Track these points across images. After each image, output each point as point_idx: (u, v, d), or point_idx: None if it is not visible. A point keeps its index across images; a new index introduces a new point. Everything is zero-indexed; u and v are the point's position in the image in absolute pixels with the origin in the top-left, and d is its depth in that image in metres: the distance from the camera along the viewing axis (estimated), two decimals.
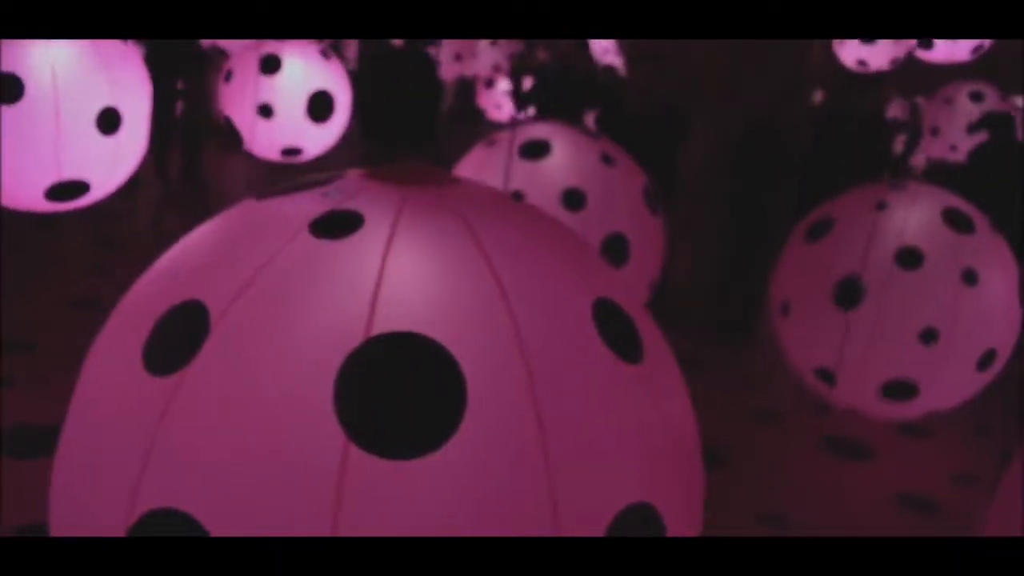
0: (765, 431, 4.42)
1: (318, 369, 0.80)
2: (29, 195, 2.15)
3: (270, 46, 3.25)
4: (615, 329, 0.91)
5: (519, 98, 8.44)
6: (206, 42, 3.66)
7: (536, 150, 2.62)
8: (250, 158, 3.73)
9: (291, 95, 3.27)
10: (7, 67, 1.95)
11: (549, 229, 1.04)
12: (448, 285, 0.86)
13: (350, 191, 0.99)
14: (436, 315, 0.82)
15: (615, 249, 2.43)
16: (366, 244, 0.89)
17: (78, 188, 2.22)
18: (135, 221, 6.47)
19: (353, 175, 1.05)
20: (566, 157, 2.62)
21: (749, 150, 5.33)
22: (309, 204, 0.97)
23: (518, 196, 2.51)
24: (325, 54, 3.34)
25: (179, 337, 0.87)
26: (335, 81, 3.34)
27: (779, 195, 5.27)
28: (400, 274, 0.86)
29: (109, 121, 2.20)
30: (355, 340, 0.81)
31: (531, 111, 7.81)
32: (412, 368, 0.79)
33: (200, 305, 0.88)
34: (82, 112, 2.08)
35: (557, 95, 6.85)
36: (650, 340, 0.97)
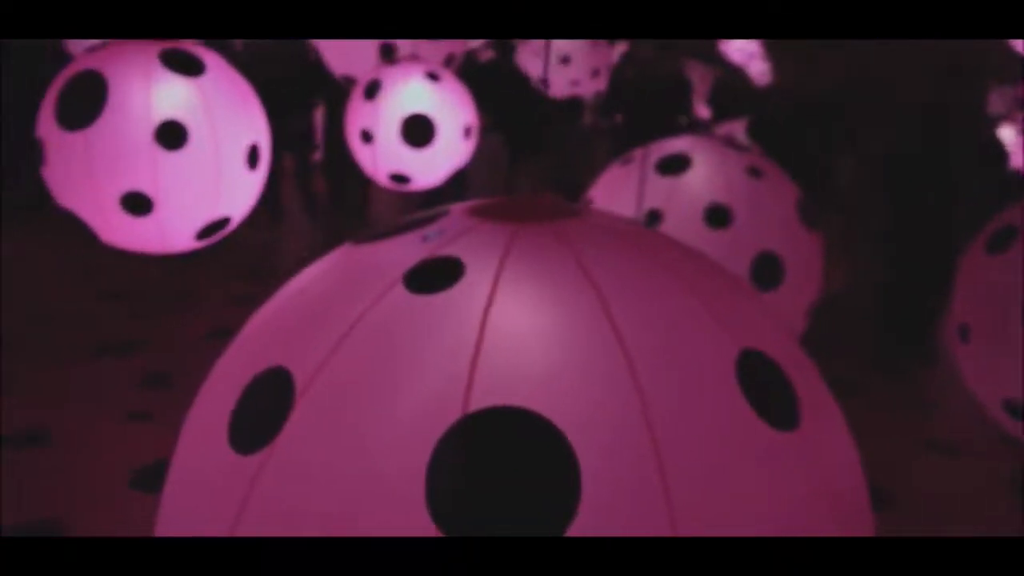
0: (938, 467, 4.02)
1: (408, 453, 0.67)
2: (182, 237, 2.14)
3: (380, 71, 3.19)
4: (765, 388, 0.75)
5: (603, 109, 8.17)
6: (339, 71, 3.65)
7: (675, 165, 2.44)
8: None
9: (387, 120, 3.17)
10: (165, 114, 1.92)
11: (685, 264, 0.88)
12: (558, 347, 0.71)
13: (453, 232, 0.86)
14: (544, 386, 0.68)
15: (767, 270, 2.22)
16: (465, 298, 0.76)
17: (223, 224, 2.21)
18: (280, 252, 6.63)
19: (459, 211, 0.92)
20: (708, 171, 2.43)
21: (914, 153, 4.92)
22: (406, 250, 0.85)
23: (656, 216, 2.34)
24: (434, 76, 3.21)
25: (264, 410, 0.77)
26: (439, 104, 3.19)
27: (951, 203, 4.83)
28: (503, 335, 0.72)
29: (254, 156, 2.18)
30: (450, 417, 0.68)
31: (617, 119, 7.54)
32: (515, 452, 0.66)
33: (286, 373, 0.78)
34: (235, 150, 2.07)
35: (644, 103, 6.53)
36: (809, 398, 0.80)
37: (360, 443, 0.70)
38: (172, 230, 2.07)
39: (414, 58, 3.25)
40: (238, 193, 2.17)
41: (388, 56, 3.38)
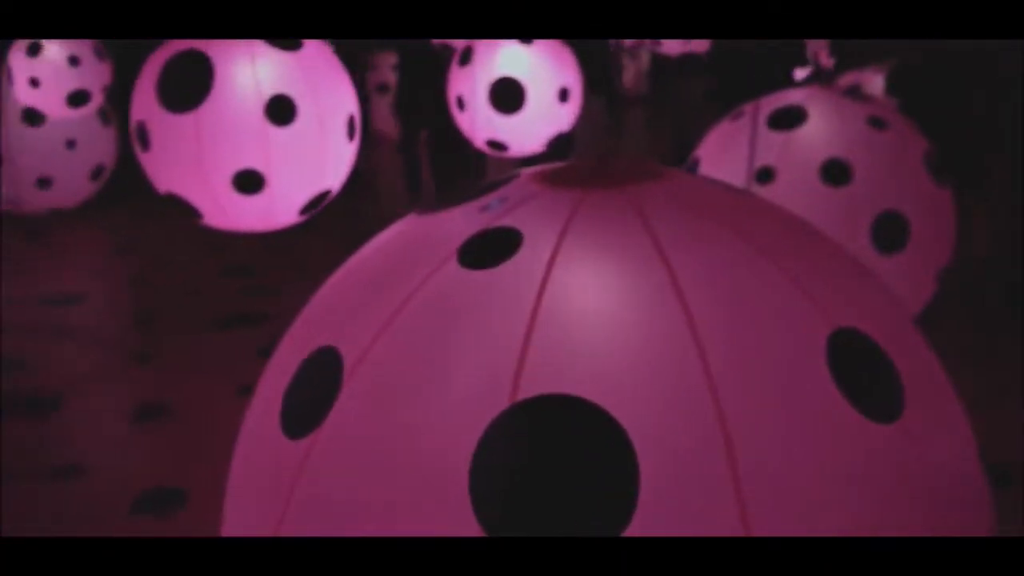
0: None
1: (451, 444, 0.61)
2: (288, 213, 2.13)
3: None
4: (861, 374, 0.65)
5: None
6: (437, 42, 3.58)
7: (789, 119, 2.28)
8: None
9: (477, 85, 3.06)
10: (273, 90, 1.89)
11: (777, 233, 0.78)
12: (619, 330, 0.63)
13: (514, 200, 0.79)
14: (600, 373, 0.60)
15: (890, 231, 2.05)
16: (520, 274, 0.69)
17: (324, 197, 2.20)
18: (382, 220, 6.64)
19: (525, 177, 0.84)
20: (825, 124, 2.26)
21: None
22: (464, 221, 0.79)
23: (768, 174, 2.20)
24: (527, 39, 3.08)
25: (312, 394, 0.72)
26: (531, 68, 3.05)
27: None
28: (558, 316, 0.65)
29: (351, 128, 2.16)
30: (497, 406, 0.61)
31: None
32: (566, 446, 0.58)
33: (335, 354, 0.72)
34: (337, 122, 2.04)
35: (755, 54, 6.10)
36: (916, 384, 0.69)
37: (402, 431, 0.64)
38: (280, 206, 2.06)
39: None
40: (340, 165, 2.15)
41: None
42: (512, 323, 0.65)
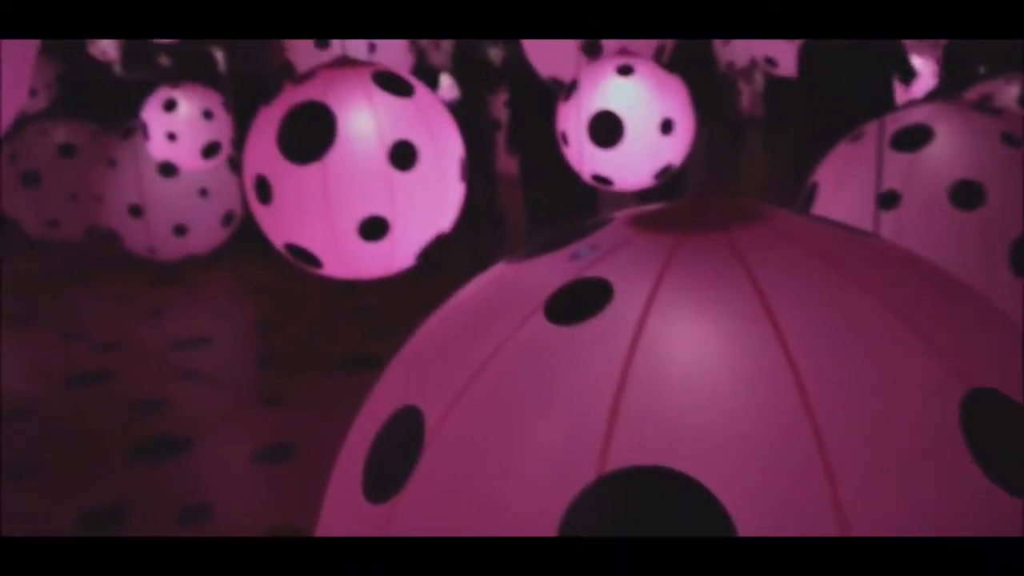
0: None
1: (534, 520, 0.57)
2: (407, 258, 2.13)
3: (578, 71, 3.06)
4: (1002, 441, 0.57)
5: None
6: (545, 73, 3.58)
7: (914, 138, 2.15)
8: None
9: (578, 120, 3.02)
10: (395, 136, 1.91)
11: (899, 279, 0.72)
12: (721, 394, 0.58)
13: (606, 247, 0.75)
14: (699, 444, 0.55)
15: None
16: (611, 329, 0.65)
17: (440, 239, 2.20)
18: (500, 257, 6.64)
19: (619, 221, 0.80)
20: (954, 142, 2.13)
21: None
22: (553, 271, 0.75)
23: (892, 198, 2.08)
24: (627, 71, 3.03)
25: (395, 454, 0.70)
26: (629, 100, 2.99)
27: None
28: (651, 376, 0.60)
29: (463, 169, 2.17)
30: (583, 478, 0.57)
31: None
32: (659, 527, 0.53)
33: (418, 413, 0.70)
34: (452, 165, 2.05)
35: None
36: None
37: (482, 501, 0.61)
38: (401, 251, 2.07)
39: (618, 54, 3.11)
40: (454, 207, 2.16)
41: (592, 53, 3.28)
42: (601, 385, 0.61)
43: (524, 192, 7.38)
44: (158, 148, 4.48)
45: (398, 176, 1.90)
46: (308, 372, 4.78)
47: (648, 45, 3.37)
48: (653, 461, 0.55)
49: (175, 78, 4.67)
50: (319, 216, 1.89)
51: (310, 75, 1.95)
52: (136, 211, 5.08)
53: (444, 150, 2.01)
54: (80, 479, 3.67)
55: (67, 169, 5.43)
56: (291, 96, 1.94)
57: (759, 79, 10.85)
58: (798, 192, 2.36)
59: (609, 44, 3.24)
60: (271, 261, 6.69)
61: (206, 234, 5.32)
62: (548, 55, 3.54)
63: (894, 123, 2.20)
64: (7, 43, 1.44)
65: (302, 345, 5.21)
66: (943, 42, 7.70)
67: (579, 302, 0.69)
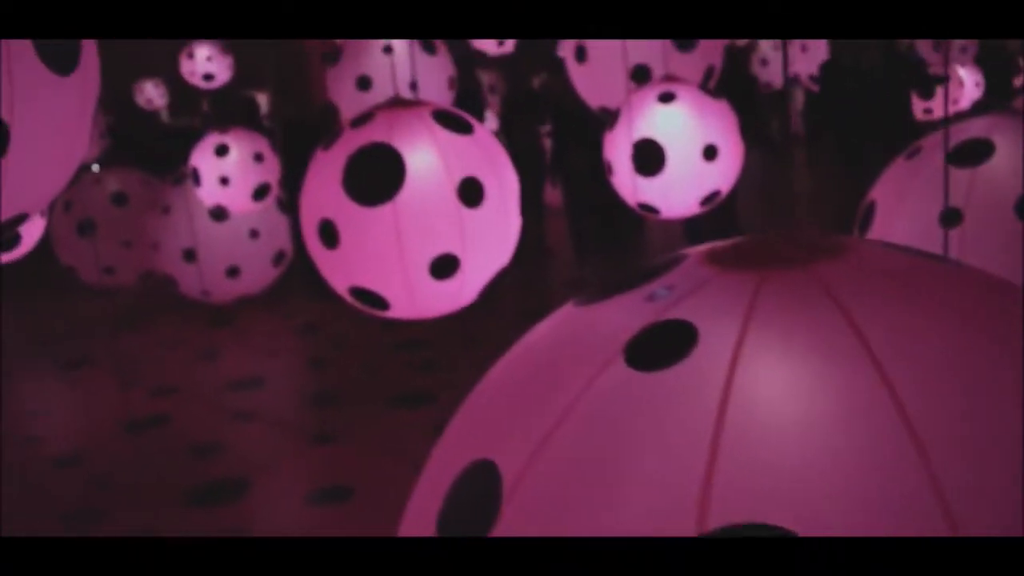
0: None
1: None
2: (471, 295, 2.11)
3: (624, 100, 3.03)
4: None
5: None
6: (594, 103, 3.57)
7: (974, 153, 2.10)
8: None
9: (620, 148, 2.99)
10: (463, 171, 1.91)
11: (987, 301, 0.68)
12: (825, 441, 0.55)
13: (684, 287, 0.72)
14: (807, 497, 0.52)
15: None
16: (699, 376, 0.62)
17: (501, 272, 2.19)
18: (551, 289, 6.64)
19: (693, 259, 0.78)
20: (1016, 155, 2.07)
21: None
22: (629, 313, 0.72)
23: (954, 217, 2.02)
24: (668, 97, 3.00)
25: (470, 513, 0.67)
26: (670, 127, 2.95)
27: None
28: (748, 425, 0.57)
29: (521, 204, 2.16)
30: (683, 534, 0.54)
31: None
32: None
33: (493, 469, 0.67)
34: (512, 199, 2.05)
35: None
36: None
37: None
38: (468, 289, 2.06)
39: (663, 80, 3.09)
40: (515, 241, 2.16)
41: (640, 80, 3.26)
42: (695, 434, 0.58)
43: (569, 223, 7.36)
44: (210, 192, 4.56)
45: (467, 213, 1.90)
46: (361, 410, 4.79)
47: (696, 70, 3.34)
48: (757, 518, 0.52)
49: (220, 124, 4.75)
50: (390, 257, 1.88)
51: (369, 117, 1.94)
52: (190, 255, 5.16)
53: (505, 184, 2.02)
54: (135, 527, 3.70)
55: (120, 217, 5.53)
56: (353, 138, 1.93)
57: (799, 97, 10.78)
58: (847, 208, 2.31)
59: (656, 70, 3.22)
60: (319, 299, 6.75)
61: (257, 275, 5.39)
62: (596, 84, 3.53)
63: (951, 138, 2.15)
64: (71, 85, 1.47)
65: (353, 382, 5.23)
66: (973, 49, 7.61)
67: (662, 347, 0.66)
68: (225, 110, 8.07)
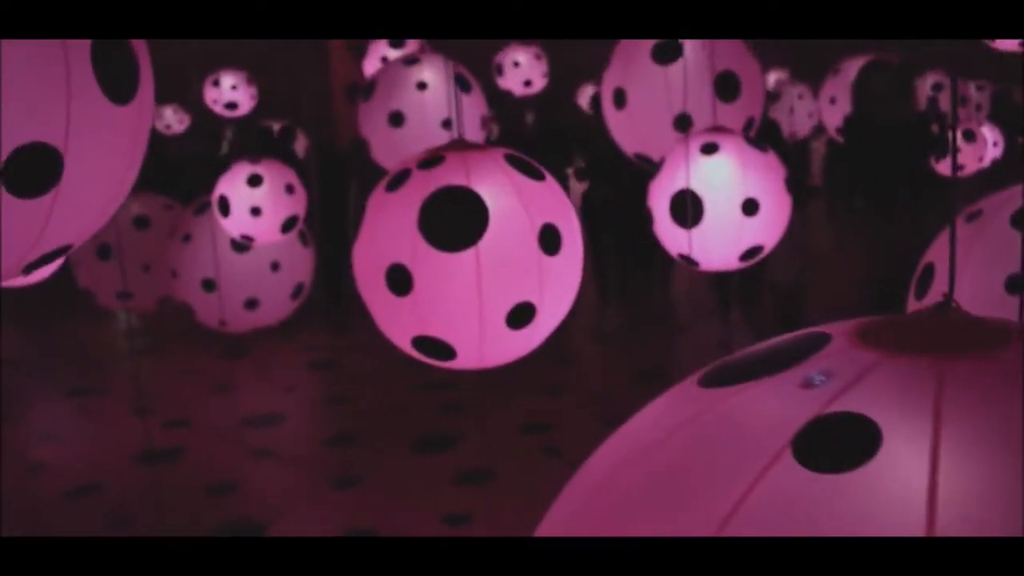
0: None
1: None
2: (538, 343, 2.05)
3: (667, 148, 2.99)
4: None
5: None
6: (631, 149, 3.52)
7: None
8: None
9: (660, 198, 2.96)
10: (543, 218, 1.87)
11: None
12: None
13: (846, 374, 0.65)
14: None
15: None
16: (892, 480, 0.54)
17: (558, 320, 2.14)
18: (578, 333, 6.56)
19: (842, 339, 0.70)
20: None
21: None
22: (784, 401, 0.65)
23: (1019, 283, 1.94)
24: (711, 148, 2.94)
25: None
26: (711, 178, 2.89)
27: None
28: (963, 532, 0.49)
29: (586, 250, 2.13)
30: None
31: None
32: None
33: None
34: (578, 245, 2.01)
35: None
36: None
37: None
38: (537, 337, 1.99)
39: (708, 130, 3.03)
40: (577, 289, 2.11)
41: (683, 128, 3.21)
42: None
43: (593, 264, 7.31)
44: (239, 222, 4.51)
45: (546, 260, 1.85)
46: (382, 451, 4.69)
47: (736, 120, 3.29)
48: None
49: (241, 153, 4.73)
50: (468, 305, 1.80)
51: (439, 159, 1.86)
52: (209, 285, 5.10)
53: (575, 232, 1.98)
54: None
55: (141, 241, 5.49)
56: (426, 181, 1.84)
57: (821, 148, 10.78)
58: (882, 261, 2.23)
59: (700, 119, 3.16)
60: (339, 332, 6.69)
61: (276, 307, 5.32)
62: (634, 130, 3.48)
63: (1009, 202, 2.08)
64: (127, 116, 1.41)
65: (374, 423, 5.13)
66: (987, 107, 7.60)
67: (839, 444, 0.58)
68: (255, 140, 8.08)
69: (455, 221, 1.77)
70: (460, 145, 1.89)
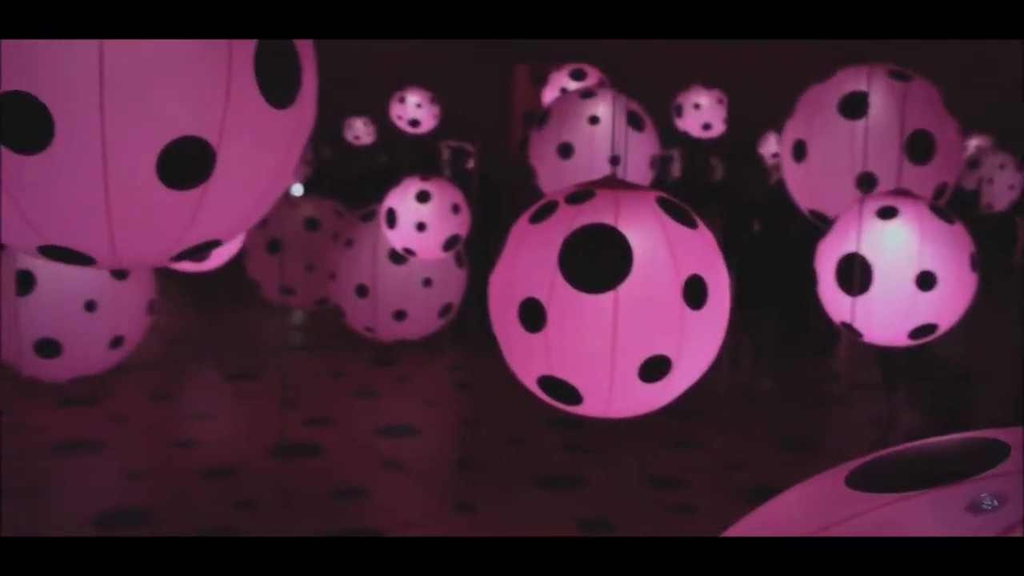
0: None
1: None
2: (668, 400, 1.95)
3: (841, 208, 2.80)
4: None
5: None
6: (807, 205, 3.33)
7: None
8: None
9: (826, 261, 2.75)
10: (689, 269, 1.76)
11: None
12: None
13: (1016, 500, 0.53)
14: None
15: None
16: None
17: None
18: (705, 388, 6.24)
19: (1018, 454, 0.58)
20: None
21: None
22: (943, 524, 0.54)
23: None
24: (889, 213, 2.70)
25: None
26: (883, 245, 2.70)
27: None
28: None
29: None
30: None
31: None
32: None
33: None
34: (727, 304, 1.88)
35: None
36: None
37: None
38: (670, 393, 1.86)
39: (892, 193, 2.81)
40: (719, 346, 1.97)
41: (867, 188, 3.00)
42: None
43: (739, 320, 7.04)
44: (404, 235, 4.62)
45: (689, 314, 1.72)
46: (504, 481, 4.64)
47: (927, 186, 3.05)
48: None
49: (413, 170, 4.84)
50: (601, 351, 1.71)
51: (588, 195, 1.78)
52: (362, 291, 5.23)
53: (723, 287, 1.82)
54: None
55: (309, 241, 5.70)
56: (572, 216, 1.77)
57: None
58: None
59: (886, 181, 2.96)
60: (479, 356, 6.71)
61: (423, 322, 5.40)
62: (812, 185, 3.30)
63: None
64: (285, 120, 1.42)
65: (500, 451, 5.09)
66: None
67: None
68: (428, 157, 8.30)
69: (597, 261, 1.68)
70: (613, 183, 1.80)
